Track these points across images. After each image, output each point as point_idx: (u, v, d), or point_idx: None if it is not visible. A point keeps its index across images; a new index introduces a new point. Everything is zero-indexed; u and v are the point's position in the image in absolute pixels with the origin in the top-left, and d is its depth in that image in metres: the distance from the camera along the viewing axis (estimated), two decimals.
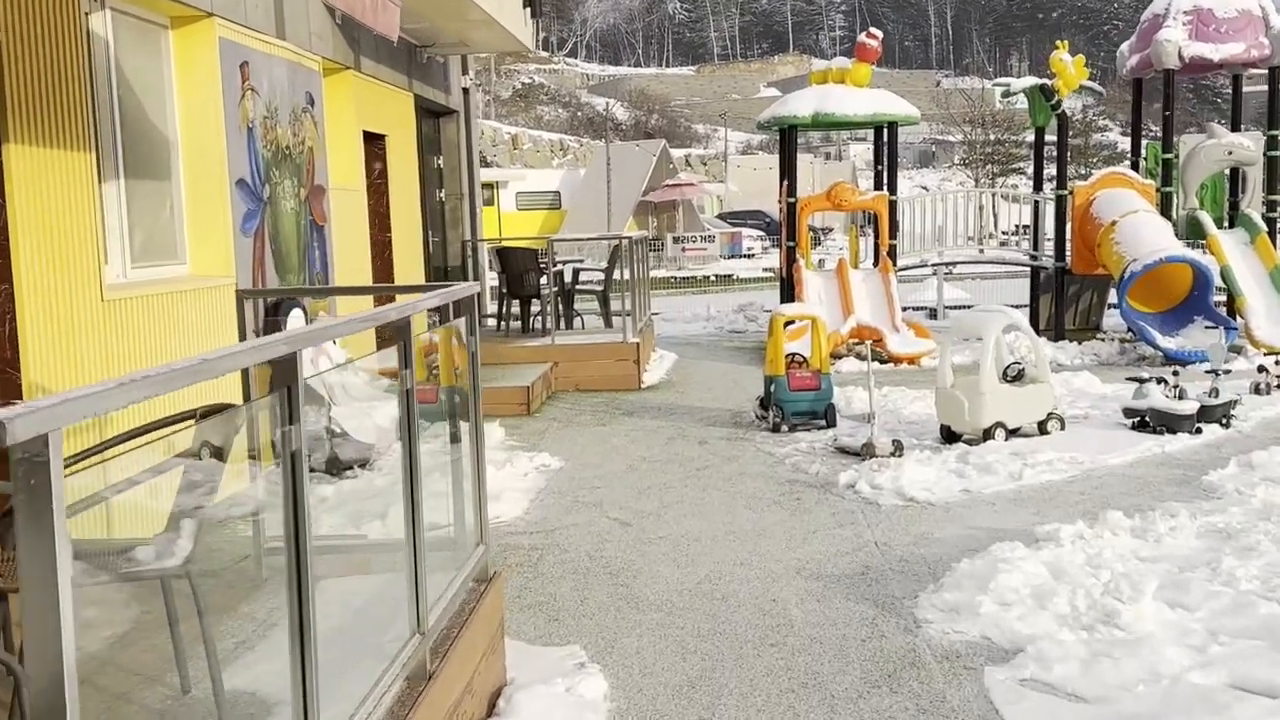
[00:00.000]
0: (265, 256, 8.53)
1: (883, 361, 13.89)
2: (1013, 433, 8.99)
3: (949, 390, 9.06)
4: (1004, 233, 40.10)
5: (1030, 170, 56.41)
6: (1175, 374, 9.80)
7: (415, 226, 13.04)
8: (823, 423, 9.93)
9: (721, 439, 9.72)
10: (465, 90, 15.39)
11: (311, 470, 2.78)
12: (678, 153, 61.49)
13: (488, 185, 40.63)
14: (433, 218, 14.92)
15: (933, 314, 18.73)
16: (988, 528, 6.73)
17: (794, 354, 10.33)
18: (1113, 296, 16.78)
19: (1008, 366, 9.25)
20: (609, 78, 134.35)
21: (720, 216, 49.49)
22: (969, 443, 8.88)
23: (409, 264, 12.64)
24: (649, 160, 39.32)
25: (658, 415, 11.00)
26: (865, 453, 8.53)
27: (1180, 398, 9.44)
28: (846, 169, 61.55)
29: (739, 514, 7.32)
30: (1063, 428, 9.18)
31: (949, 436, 9.11)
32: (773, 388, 9.97)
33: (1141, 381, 9.39)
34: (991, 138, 56.98)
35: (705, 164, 68.53)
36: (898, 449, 8.58)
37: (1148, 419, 9.19)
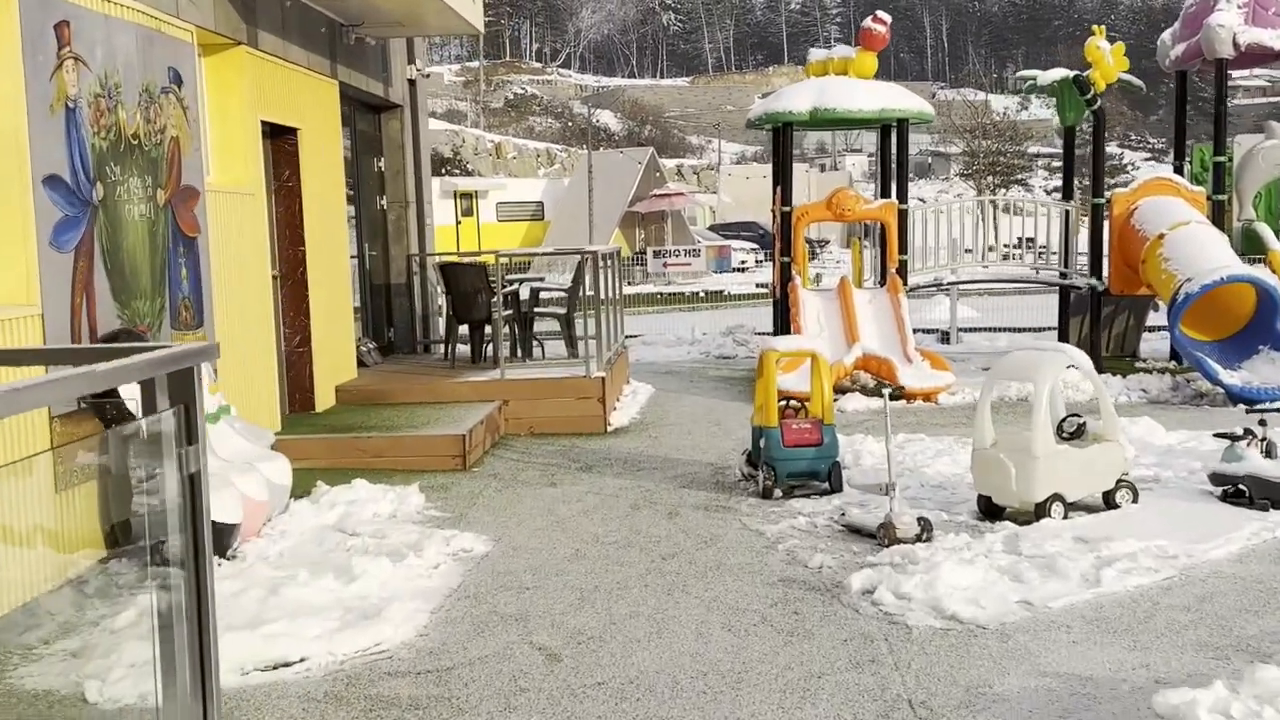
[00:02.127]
0: (94, 278, 6.47)
1: (894, 397, 11.85)
2: (1072, 506, 6.95)
3: (990, 452, 7.02)
4: (1006, 246, 38.16)
5: (1034, 180, 54.53)
6: (1262, 423, 7.78)
7: (341, 240, 10.99)
8: (825, 486, 7.88)
9: (698, 508, 7.67)
10: (411, 82, 13.36)
11: None
12: (669, 163, 59.55)
13: (466, 195, 38.67)
14: (372, 229, 12.87)
15: (944, 337, 16.70)
16: (1070, 675, 4.67)
17: (789, 398, 8.28)
18: (1152, 319, 14.78)
19: (1064, 419, 7.20)
20: (603, 88, 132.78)
21: (712, 228, 47.45)
22: (1018, 521, 6.84)
23: (331, 284, 10.59)
24: (636, 169, 37.29)
25: (623, 471, 8.94)
26: (883, 536, 6.49)
27: (1269, 454, 7.44)
28: (842, 180, 59.57)
29: (714, 638, 5.26)
30: (1135, 499, 7.13)
31: (989, 510, 7.08)
32: (763, 442, 7.92)
33: (1233, 439, 7.35)
34: (993, 148, 55.13)
35: (698, 174, 66.58)
36: (925, 530, 6.54)
37: (1244, 488, 7.15)
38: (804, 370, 9.47)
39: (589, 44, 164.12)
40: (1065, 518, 6.82)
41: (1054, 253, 14.03)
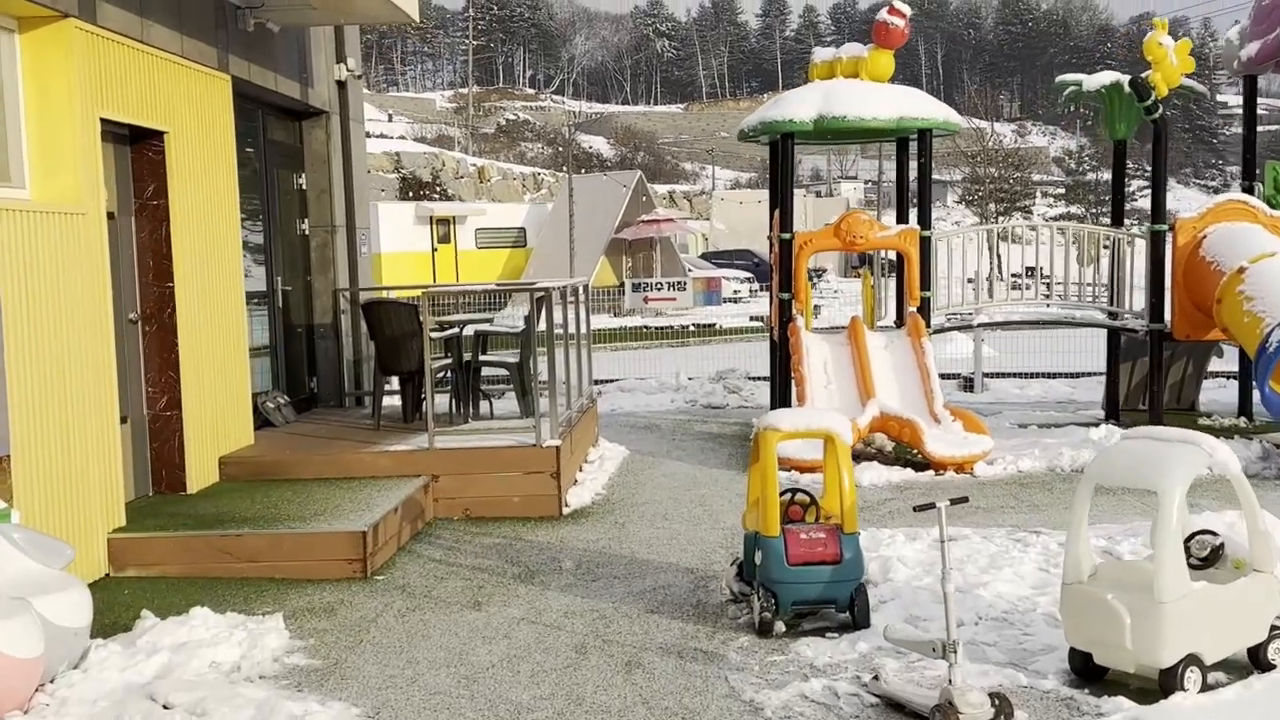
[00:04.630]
0: None
1: (917, 467, 9.69)
2: (1210, 667, 4.76)
3: (1089, 591, 4.83)
4: (1014, 275, 36.13)
5: (1036, 207, 52.68)
6: None
7: (232, 271, 8.81)
8: (846, 617, 5.69)
9: (669, 651, 5.47)
10: (341, 84, 11.21)
11: None
12: (661, 188, 57.52)
13: (443, 221, 36.54)
14: (289, 259, 10.70)
15: (967, 384, 14.53)
16: None
17: (794, 494, 6.09)
18: (1215, 364, 12.64)
19: (1191, 538, 5.01)
20: (596, 115, 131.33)
21: (704, 256, 45.34)
22: (1130, 690, 4.65)
23: (214, 328, 8.41)
24: (622, 193, 35.16)
25: (574, 581, 6.74)
26: None
27: None
28: (838, 207, 57.51)
29: None
30: None
31: (1087, 671, 4.89)
32: (759, 555, 5.73)
33: None
34: (996, 174, 53.18)
35: (690, 200, 64.55)
36: (1004, 715, 4.36)
37: None
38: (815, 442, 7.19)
39: (583, 70, 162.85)
40: (1204, 688, 4.63)
41: (1091, 285, 11.91)
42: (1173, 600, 4.59)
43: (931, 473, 9.51)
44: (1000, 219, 51.71)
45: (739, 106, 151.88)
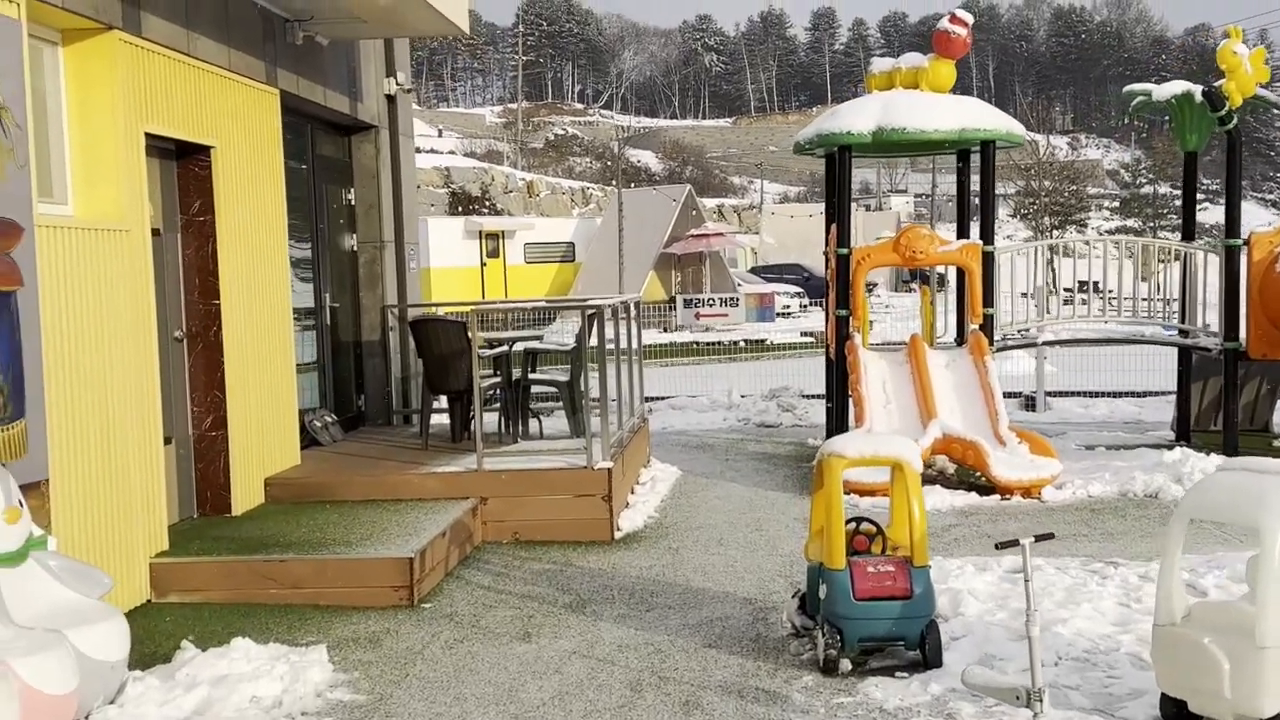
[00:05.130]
0: None
1: (982, 491, 9.34)
2: None
3: (1183, 633, 4.49)
4: (1066, 290, 35.46)
5: (1092, 221, 51.83)
6: None
7: (280, 288, 8.65)
8: (916, 655, 5.38)
9: (729, 690, 5.19)
10: (390, 98, 11.06)
11: None
12: (709, 202, 57.20)
13: (492, 235, 36.50)
14: (338, 275, 10.55)
15: (1029, 403, 14.11)
16: None
17: (859, 523, 5.79)
18: None
19: None
20: (644, 129, 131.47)
21: (754, 270, 44.98)
22: None
23: (261, 346, 8.25)
24: (671, 207, 34.89)
25: (627, 611, 6.48)
26: None
27: None
28: (889, 221, 56.89)
29: None
30: None
31: (1179, 717, 4.55)
32: (824, 588, 5.44)
33: None
34: (1050, 187, 52.36)
35: (739, 214, 64.20)
36: None
37: None
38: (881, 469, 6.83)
39: (631, 85, 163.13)
40: None
41: (1162, 301, 11.50)
42: (1275, 645, 4.25)
43: (997, 497, 9.16)
44: (1055, 233, 50.93)
45: (788, 120, 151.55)
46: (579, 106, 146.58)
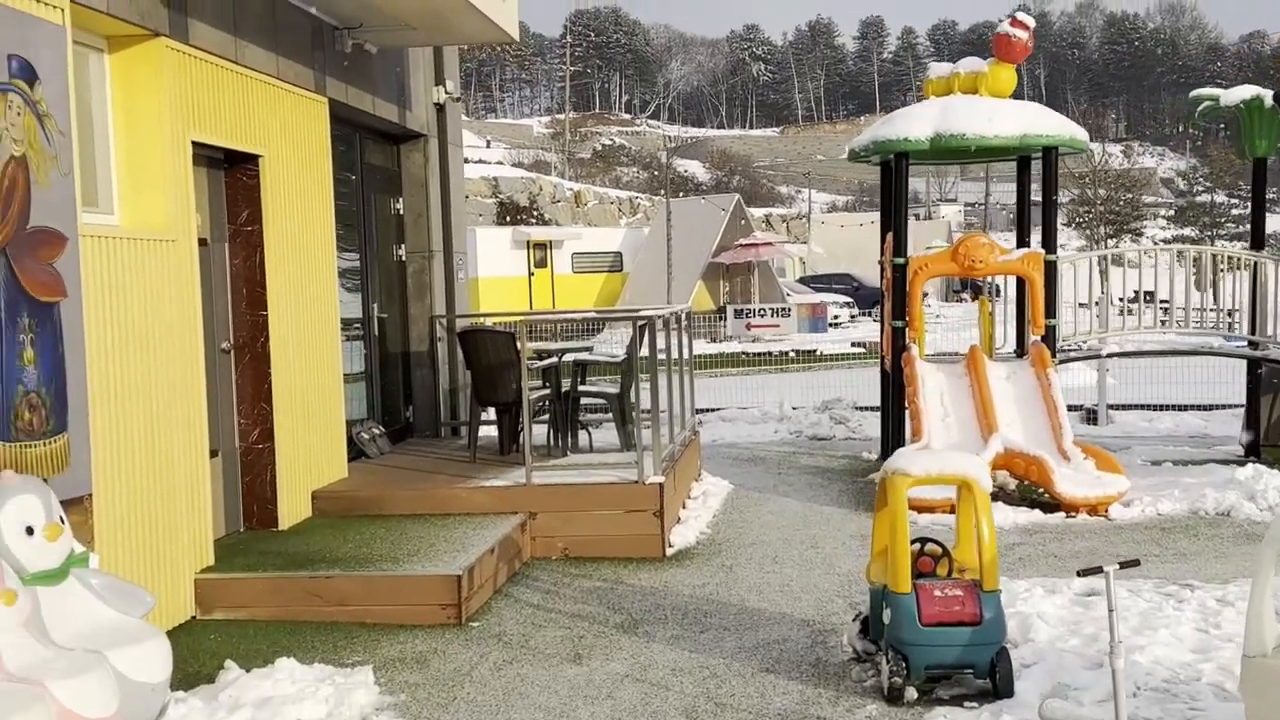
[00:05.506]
0: None
1: (1046, 508, 9.04)
2: None
3: (1275, 666, 4.22)
4: (1122, 300, 34.81)
5: (1149, 229, 50.95)
6: None
7: (328, 299, 8.54)
8: (985, 684, 5.13)
9: None
10: (439, 107, 10.95)
11: None
12: (757, 212, 56.89)
13: (540, 245, 36.45)
14: (386, 286, 10.44)
15: (1090, 416, 13.74)
16: None
17: (924, 543, 5.54)
18: None
19: None
20: (691, 139, 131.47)
21: (802, 280, 44.63)
22: None
23: (309, 357, 8.13)
24: (720, 216, 34.66)
25: (681, 632, 6.27)
26: None
27: None
28: (939, 230, 56.26)
29: None
30: None
31: None
32: (887, 612, 5.21)
33: None
34: (1104, 195, 51.58)
35: (787, 224, 63.80)
36: None
37: None
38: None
39: (678, 95, 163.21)
40: None
41: (1231, 310, 11.13)
42: None
43: (1062, 515, 8.86)
44: (1110, 242, 50.16)
45: (835, 130, 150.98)
46: (626, 117, 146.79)
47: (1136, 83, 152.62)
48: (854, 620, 5.82)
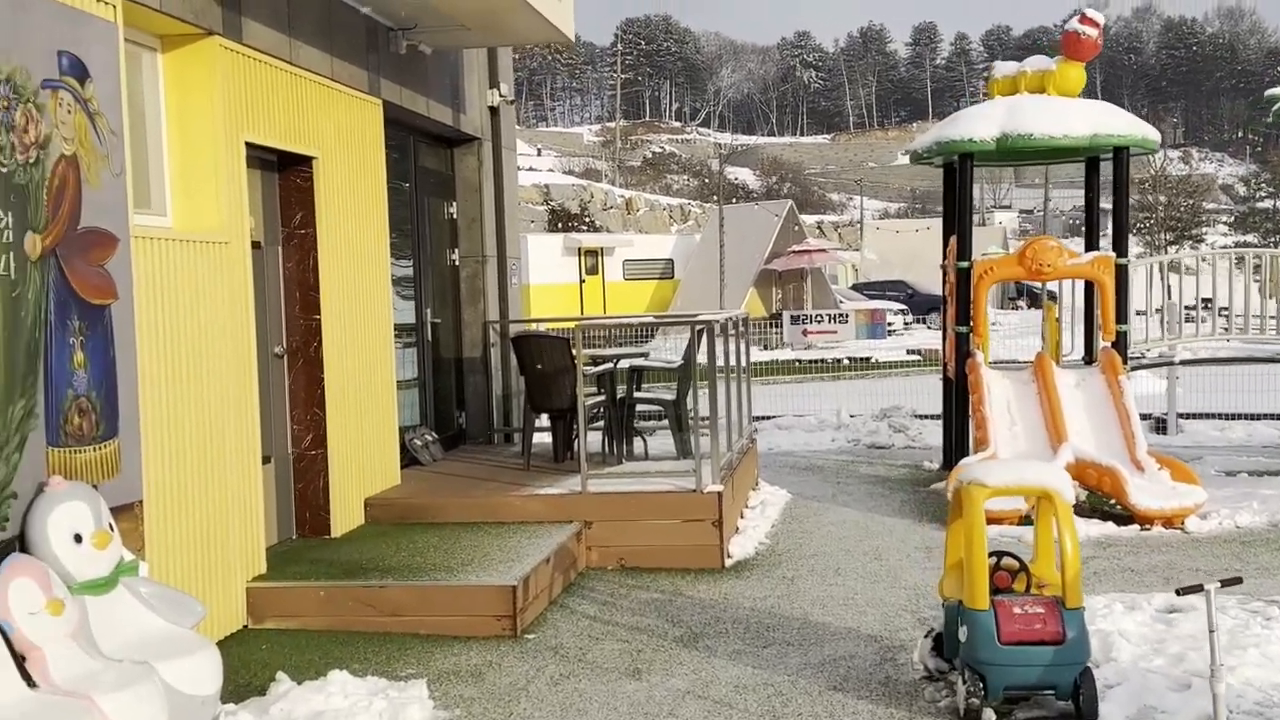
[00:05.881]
0: None
1: (1119, 520, 8.73)
2: None
3: None
4: (1189, 308, 34.09)
5: (1210, 236, 50.02)
6: None
7: (381, 303, 8.43)
8: (1067, 706, 4.88)
9: None
10: (494, 110, 10.84)
11: None
12: (809, 218, 56.51)
13: (591, 252, 36.37)
14: (439, 290, 10.32)
15: (1159, 425, 13.34)
16: None
17: (1000, 557, 5.29)
18: None
19: None
20: (742, 147, 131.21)
21: (855, 287, 44.21)
22: None
23: (362, 362, 8.02)
24: (773, 222, 34.37)
25: (743, 647, 6.05)
26: None
27: None
28: (995, 236, 55.49)
29: None
30: None
31: None
32: (963, 630, 4.96)
33: None
34: (1164, 201, 50.68)
35: (839, 231, 63.37)
36: None
37: None
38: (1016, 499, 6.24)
39: (728, 103, 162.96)
40: None
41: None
42: None
43: (1135, 527, 8.54)
44: (1170, 249, 49.26)
45: (887, 136, 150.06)
46: (676, 125, 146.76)
47: (1195, 88, 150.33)
48: (926, 637, 5.56)
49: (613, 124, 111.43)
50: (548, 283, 33.95)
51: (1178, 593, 3.98)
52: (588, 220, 47.79)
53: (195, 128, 6.23)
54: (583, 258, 35.91)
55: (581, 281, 35.58)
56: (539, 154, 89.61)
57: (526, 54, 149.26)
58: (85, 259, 5.08)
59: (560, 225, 45.73)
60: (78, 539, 4.61)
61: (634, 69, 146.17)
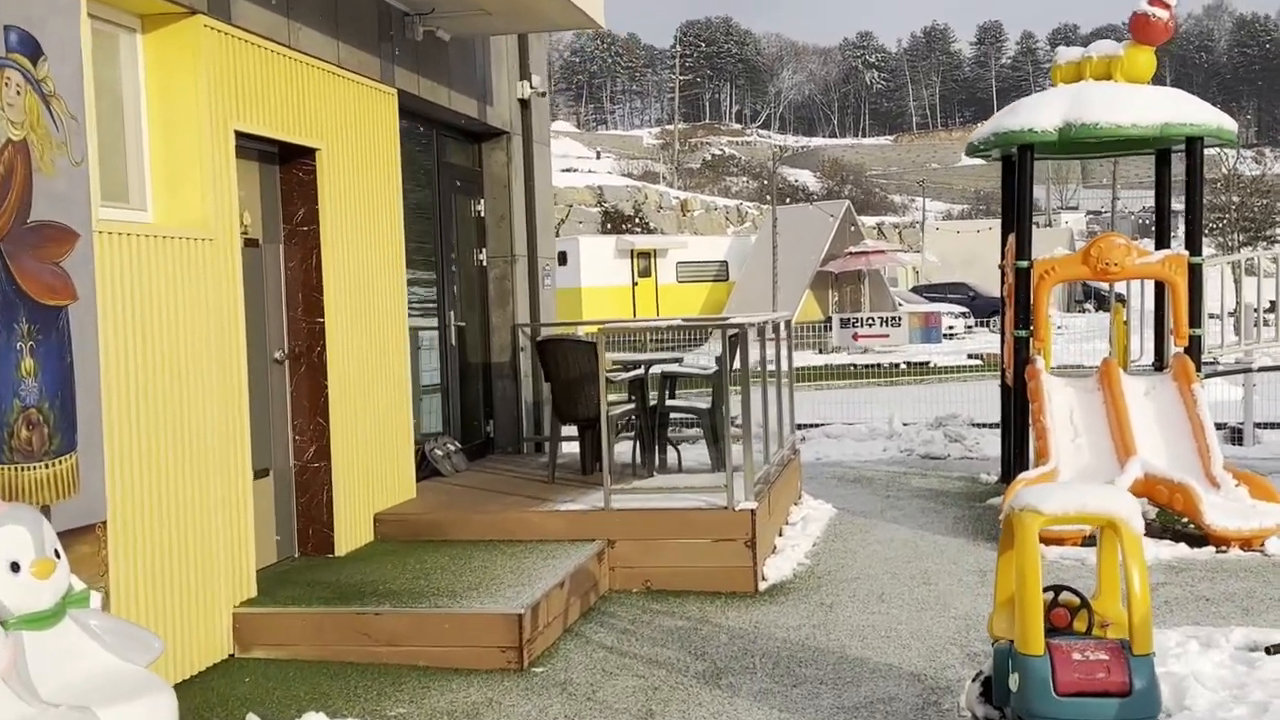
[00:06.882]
0: None
1: (1192, 541, 8.01)
2: None
3: None
4: (1258, 311, 32.78)
5: None
6: None
7: (395, 305, 7.94)
8: None
9: None
10: (524, 103, 10.33)
11: None
12: (869, 220, 55.57)
13: (644, 254, 35.85)
14: (465, 292, 9.83)
15: (1234, 436, 12.51)
16: None
17: (1058, 592, 4.64)
18: None
19: None
20: (802, 148, 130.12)
21: (915, 290, 43.24)
22: None
23: (372, 368, 7.53)
24: (829, 224, 33.61)
25: (769, 687, 5.46)
26: None
27: None
28: (1061, 238, 54.12)
29: None
30: None
31: None
32: (1014, 678, 4.33)
33: None
34: (1238, 201, 49.11)
35: (900, 232, 62.27)
36: None
37: None
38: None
39: (789, 104, 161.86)
40: None
41: None
42: None
43: (1211, 549, 7.81)
44: (1243, 249, 47.73)
45: (951, 137, 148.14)
46: (736, 127, 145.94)
47: (1268, 86, 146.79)
48: (974, 681, 4.93)
49: (672, 127, 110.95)
50: (600, 285, 33.50)
51: (1267, 651, 3.34)
52: (641, 222, 47.26)
53: (178, 115, 5.77)
54: (635, 260, 35.41)
55: (634, 284, 35.08)
56: (598, 157, 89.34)
57: (587, 57, 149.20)
58: (36, 255, 4.62)
59: (612, 227, 45.25)
60: (14, 568, 4.12)
61: (694, 71, 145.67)
